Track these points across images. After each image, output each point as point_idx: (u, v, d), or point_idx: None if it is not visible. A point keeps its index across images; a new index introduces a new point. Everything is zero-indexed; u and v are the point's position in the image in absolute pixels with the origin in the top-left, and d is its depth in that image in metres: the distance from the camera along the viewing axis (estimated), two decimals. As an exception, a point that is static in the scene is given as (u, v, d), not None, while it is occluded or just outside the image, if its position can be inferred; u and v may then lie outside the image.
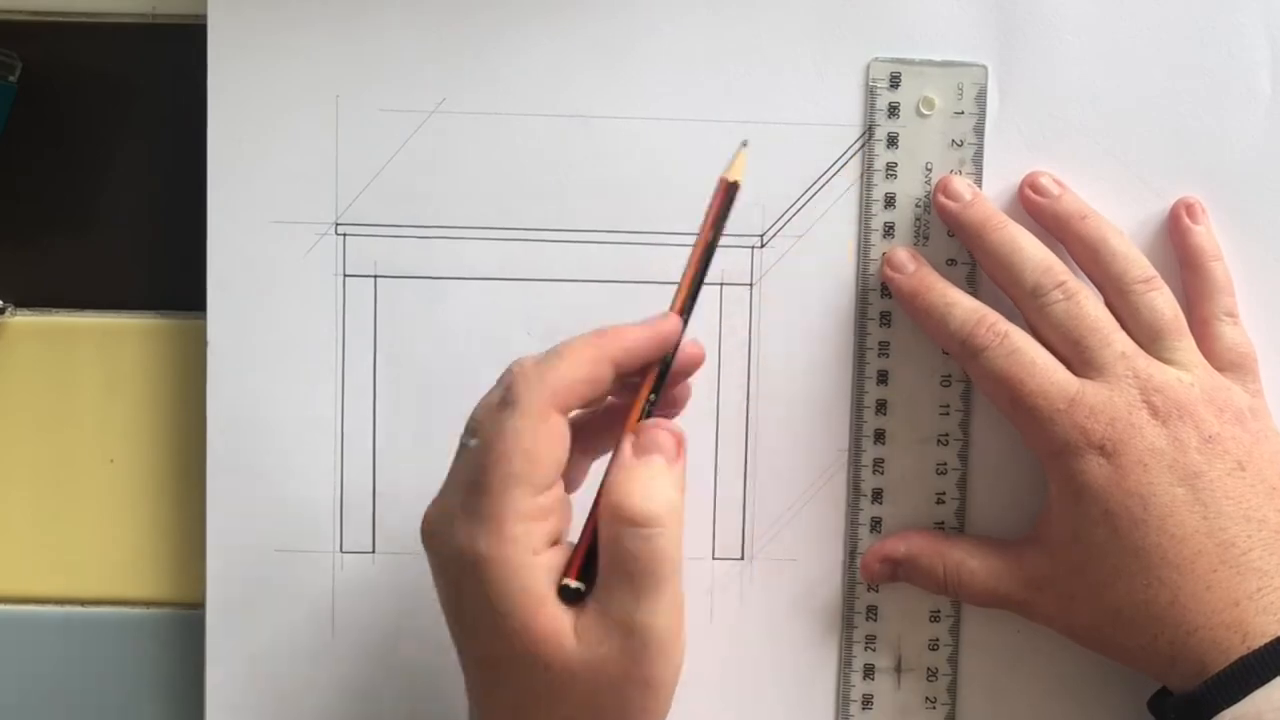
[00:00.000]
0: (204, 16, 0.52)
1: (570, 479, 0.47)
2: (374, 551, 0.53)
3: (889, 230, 0.52)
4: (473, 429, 0.44)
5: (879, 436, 0.53)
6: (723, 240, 0.48)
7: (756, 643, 0.53)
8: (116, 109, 0.54)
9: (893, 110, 0.52)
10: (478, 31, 0.52)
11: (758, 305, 0.53)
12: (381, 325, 0.53)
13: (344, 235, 0.53)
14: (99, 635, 0.55)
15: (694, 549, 0.53)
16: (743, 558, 0.54)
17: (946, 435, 0.53)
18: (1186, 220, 0.52)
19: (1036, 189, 0.52)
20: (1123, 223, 0.52)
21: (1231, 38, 0.52)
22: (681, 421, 0.46)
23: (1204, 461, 0.48)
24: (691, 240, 0.46)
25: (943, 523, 0.53)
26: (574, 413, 0.45)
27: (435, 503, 0.45)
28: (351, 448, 0.53)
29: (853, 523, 0.53)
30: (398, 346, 0.53)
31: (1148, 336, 0.50)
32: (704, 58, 0.52)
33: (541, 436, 0.43)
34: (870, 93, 0.52)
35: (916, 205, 0.52)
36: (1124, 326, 0.50)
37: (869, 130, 0.52)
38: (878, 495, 0.53)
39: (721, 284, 0.53)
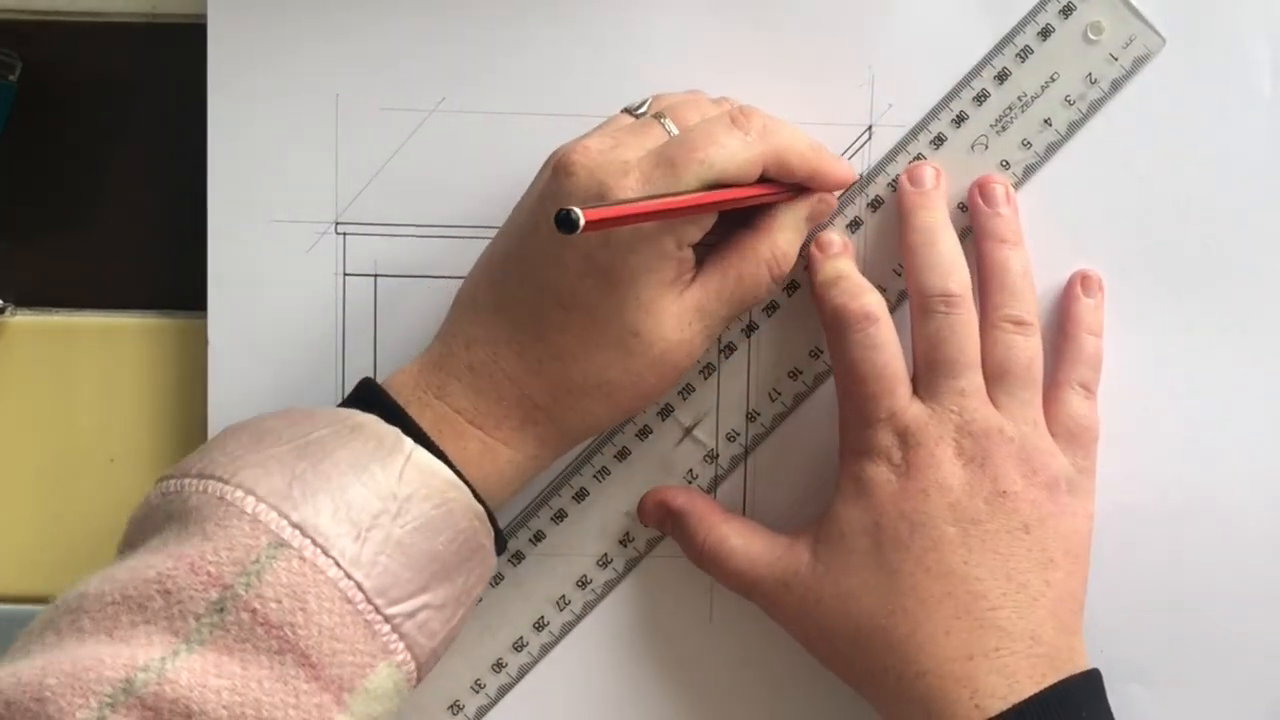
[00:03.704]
0: (204, 16, 0.52)
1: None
2: (374, 551, 0.53)
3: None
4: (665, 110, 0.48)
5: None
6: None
7: (756, 642, 0.53)
8: (116, 109, 0.54)
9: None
10: (478, 31, 0.52)
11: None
12: (381, 324, 0.53)
13: (344, 234, 0.53)
14: (98, 635, 0.55)
15: (694, 549, 0.53)
16: (743, 557, 0.53)
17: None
18: (1079, 290, 0.52)
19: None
20: (1118, 217, 0.52)
21: (1231, 37, 0.52)
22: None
23: (987, 512, 0.47)
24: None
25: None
26: None
27: (603, 143, 0.47)
28: (351, 447, 0.53)
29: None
30: (397, 345, 0.53)
31: (995, 374, 0.49)
32: (704, 57, 0.52)
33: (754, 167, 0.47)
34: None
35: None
36: (982, 356, 0.49)
37: (868, 129, 0.53)
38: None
39: (721, 283, 0.53)
